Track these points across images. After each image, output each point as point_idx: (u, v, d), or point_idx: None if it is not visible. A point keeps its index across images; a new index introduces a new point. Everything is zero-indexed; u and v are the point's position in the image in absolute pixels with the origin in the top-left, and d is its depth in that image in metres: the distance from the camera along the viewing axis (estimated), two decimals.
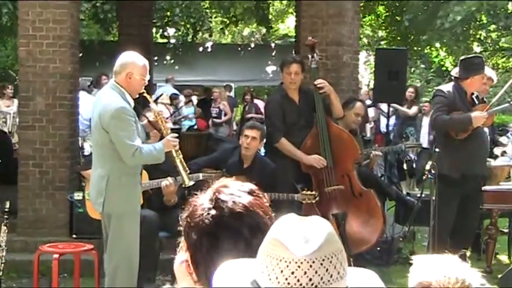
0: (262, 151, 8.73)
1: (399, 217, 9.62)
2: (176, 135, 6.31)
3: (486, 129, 7.81)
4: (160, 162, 6.28)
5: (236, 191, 2.00)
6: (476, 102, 7.58)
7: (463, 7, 16.37)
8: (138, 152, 5.88)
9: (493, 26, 19.31)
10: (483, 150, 7.68)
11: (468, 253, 8.09)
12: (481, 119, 7.34)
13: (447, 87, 7.73)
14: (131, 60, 6.07)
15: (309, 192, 7.39)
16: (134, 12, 14.85)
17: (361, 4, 13.68)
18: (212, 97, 17.39)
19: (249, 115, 16.97)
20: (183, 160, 6.28)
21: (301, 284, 1.61)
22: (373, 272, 1.79)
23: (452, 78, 7.88)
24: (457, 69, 7.76)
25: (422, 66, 26.73)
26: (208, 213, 1.96)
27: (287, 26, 33.90)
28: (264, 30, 31.20)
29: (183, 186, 6.66)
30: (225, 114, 17.01)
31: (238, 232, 1.94)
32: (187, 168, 6.34)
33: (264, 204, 2.02)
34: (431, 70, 27.93)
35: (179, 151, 6.23)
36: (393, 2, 21.06)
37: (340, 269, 1.63)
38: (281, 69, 7.93)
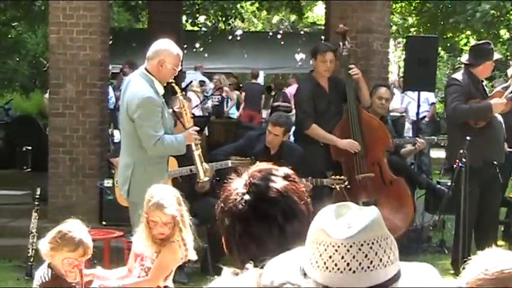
0: (292, 139, 8.70)
1: (429, 206, 9.56)
2: (197, 128, 6.30)
3: (500, 117, 7.71)
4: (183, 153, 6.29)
5: (271, 176, 1.99)
6: (487, 91, 7.58)
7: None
8: (159, 142, 5.88)
9: None
10: (500, 138, 7.67)
11: (500, 242, 8.04)
12: (501, 106, 7.33)
13: (459, 75, 7.67)
14: (165, 48, 6.05)
15: (338, 177, 7.36)
16: (164, 0, 14.86)
17: None
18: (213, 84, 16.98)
19: (276, 103, 16.94)
20: (201, 155, 6.26)
21: (338, 269, 1.60)
22: (430, 266, 1.77)
23: (463, 65, 7.83)
24: (467, 56, 7.74)
25: (448, 54, 26.49)
26: (242, 198, 1.95)
27: (316, 13, 33.77)
28: (292, 18, 31.13)
29: (197, 181, 6.66)
30: (230, 100, 16.78)
31: (272, 217, 1.92)
32: (205, 164, 6.33)
33: (299, 190, 2.00)
34: (458, 58, 27.74)
35: (198, 145, 6.22)
36: None
37: (383, 256, 1.61)
38: (314, 57, 7.88)
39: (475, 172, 7.26)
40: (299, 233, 1.80)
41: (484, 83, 7.69)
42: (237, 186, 1.99)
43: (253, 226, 1.92)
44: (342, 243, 1.60)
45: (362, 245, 1.60)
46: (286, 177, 2.01)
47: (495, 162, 7.48)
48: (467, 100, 7.36)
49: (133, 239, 5.03)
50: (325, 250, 1.61)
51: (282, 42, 23.93)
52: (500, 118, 7.62)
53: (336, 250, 1.60)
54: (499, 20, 18.68)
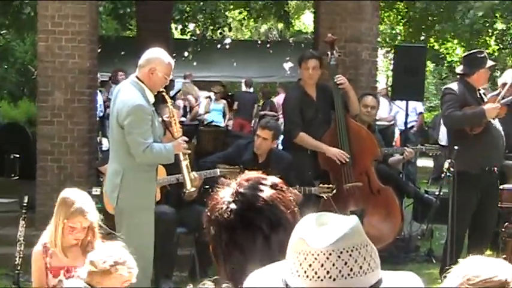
0: (280, 147, 8.70)
1: (417, 215, 9.58)
2: (186, 138, 6.31)
3: (498, 124, 7.71)
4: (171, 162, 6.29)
5: (257, 185, 1.99)
6: (484, 99, 7.57)
7: (483, 2, 16.24)
8: (148, 150, 5.88)
9: None
10: (498, 144, 7.60)
11: (487, 252, 8.04)
12: (494, 111, 7.31)
13: (455, 85, 7.70)
14: (157, 56, 6.08)
15: (325, 186, 7.37)
16: (153, 8, 14.88)
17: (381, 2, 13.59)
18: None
19: (262, 112, 16.98)
20: (189, 165, 6.27)
21: (319, 277, 1.60)
22: (414, 274, 1.77)
23: (458, 76, 7.85)
24: (462, 67, 7.75)
25: (435, 64, 26.58)
26: (228, 207, 1.95)
27: (302, 22, 33.86)
28: (280, 26, 31.17)
29: (183, 192, 6.67)
30: (191, 109, 16.63)
31: (257, 226, 1.92)
32: (192, 174, 6.33)
33: (286, 199, 2.00)
34: (445, 67, 27.81)
35: (187, 155, 6.23)
36: None
37: (363, 264, 1.62)
38: (299, 64, 7.92)
39: (473, 179, 7.27)
40: (285, 242, 1.80)
41: (481, 92, 7.67)
42: (224, 195, 1.99)
43: (239, 235, 1.93)
44: (321, 251, 1.61)
45: (341, 252, 1.61)
46: (273, 186, 2.01)
47: (493, 169, 7.48)
48: (462, 108, 7.38)
49: (36, 250, 4.97)
50: (305, 259, 1.62)
51: (271, 51, 23.98)
52: (498, 125, 7.61)
53: (316, 258, 1.61)
54: (486, 29, 18.75)
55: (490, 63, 7.71)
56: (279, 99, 17.84)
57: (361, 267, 1.61)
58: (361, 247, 1.62)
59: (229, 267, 1.94)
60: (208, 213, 2.01)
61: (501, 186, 7.82)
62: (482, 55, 7.71)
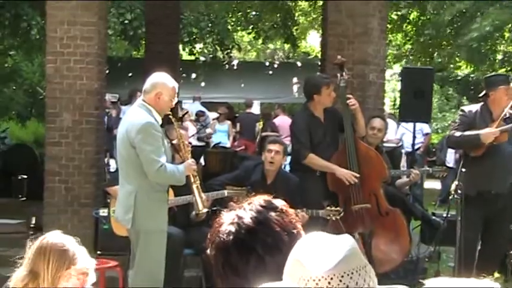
0: (287, 168, 8.70)
1: (425, 237, 9.55)
2: (195, 161, 6.35)
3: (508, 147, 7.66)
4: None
5: (257, 207, 2.00)
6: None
7: (488, 21, 16.27)
8: (162, 169, 5.90)
9: None
10: (502, 168, 7.49)
11: (496, 274, 8.01)
12: (491, 135, 7.24)
13: (471, 107, 7.71)
14: (162, 81, 6.13)
15: (333, 208, 7.35)
16: (161, 29, 14.93)
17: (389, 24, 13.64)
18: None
19: (264, 134, 17.00)
20: (199, 186, 6.29)
21: None
22: None
23: (479, 99, 7.83)
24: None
25: (440, 85, 26.68)
26: (226, 229, 1.97)
27: (308, 43, 33.99)
28: (287, 47, 31.30)
29: (196, 213, 6.68)
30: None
31: (250, 248, 1.93)
32: (202, 195, 6.35)
33: (286, 221, 2.00)
34: (452, 87, 27.89)
35: (197, 177, 6.26)
36: (419, 20, 21.03)
37: (364, 285, 1.61)
38: (318, 90, 7.83)
39: (471, 202, 7.25)
40: (282, 264, 1.81)
41: (506, 113, 7.55)
42: (226, 218, 2.00)
43: (233, 256, 1.94)
44: (322, 276, 1.60)
45: (342, 276, 1.60)
46: (273, 208, 2.02)
47: (492, 192, 7.44)
48: (469, 130, 7.37)
49: None
50: (306, 285, 1.61)
51: (278, 72, 24.05)
52: (509, 148, 7.55)
53: (317, 284, 1.60)
54: (492, 47, 18.78)
55: (508, 84, 7.64)
56: (278, 120, 17.87)
57: None
58: (361, 268, 1.63)
59: None
60: (210, 236, 2.02)
61: None
62: (498, 77, 7.71)
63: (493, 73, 8.17)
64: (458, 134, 7.39)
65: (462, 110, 7.74)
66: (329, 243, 1.67)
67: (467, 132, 7.35)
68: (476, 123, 7.42)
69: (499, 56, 19.99)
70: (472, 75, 23.92)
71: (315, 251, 1.66)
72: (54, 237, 3.89)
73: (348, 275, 1.61)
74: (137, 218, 6.02)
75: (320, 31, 23.77)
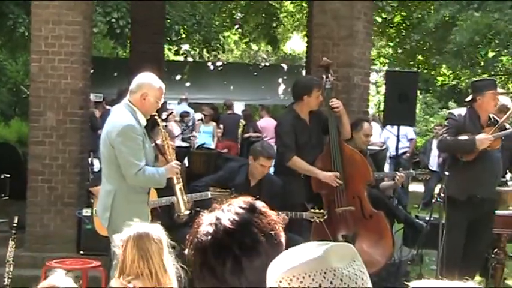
0: (271, 170, 8.71)
1: (407, 240, 9.57)
2: (179, 163, 6.33)
3: (497, 153, 7.71)
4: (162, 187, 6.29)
5: (236, 208, 2.01)
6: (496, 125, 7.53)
7: (471, 28, 16.34)
8: (141, 172, 5.89)
9: (504, 51, 19.26)
10: (491, 173, 7.56)
11: (477, 278, 8.04)
12: (486, 142, 7.29)
13: (460, 110, 7.73)
14: (148, 81, 6.11)
15: (317, 211, 7.36)
16: (146, 29, 14.91)
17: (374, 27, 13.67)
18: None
19: (247, 135, 17.05)
20: (182, 188, 6.28)
21: None
22: None
23: (465, 103, 7.86)
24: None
25: (422, 90, 26.80)
26: (204, 230, 1.98)
27: (290, 46, 34.14)
28: (269, 48, 31.41)
29: (177, 215, 6.68)
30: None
31: (227, 249, 1.94)
32: (185, 197, 6.34)
33: (264, 223, 2.00)
34: (430, 92, 27.99)
35: (180, 178, 6.24)
36: (403, 24, 21.13)
37: (330, 286, 1.62)
38: (309, 92, 7.83)
39: (460, 206, 7.27)
40: (258, 266, 1.81)
41: (492, 117, 7.61)
42: (205, 220, 2.01)
43: (210, 257, 1.95)
44: (282, 278, 1.65)
45: (303, 277, 1.63)
46: (251, 209, 2.02)
47: (478, 196, 7.47)
48: (459, 134, 7.39)
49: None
50: (276, 284, 1.66)
51: (263, 74, 24.06)
52: (497, 154, 7.59)
53: (279, 284, 1.66)
54: (475, 54, 18.85)
55: (503, 99, 7.70)
56: (263, 122, 17.92)
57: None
58: (328, 271, 1.65)
59: None
60: (189, 236, 2.03)
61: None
62: (485, 82, 7.74)
63: (480, 78, 8.19)
64: (451, 138, 7.40)
65: (451, 114, 7.77)
66: (308, 247, 1.69)
67: (461, 137, 7.37)
68: (466, 126, 7.45)
69: (482, 62, 20.06)
70: (453, 82, 24.03)
71: (289, 255, 1.68)
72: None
73: (309, 276, 1.62)
74: (114, 218, 6.01)
75: (304, 33, 23.90)
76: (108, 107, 14.45)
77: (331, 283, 1.62)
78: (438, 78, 23.62)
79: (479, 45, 17.90)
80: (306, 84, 7.95)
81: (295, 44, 34.17)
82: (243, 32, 25.08)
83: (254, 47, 34.13)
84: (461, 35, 16.40)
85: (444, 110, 26.96)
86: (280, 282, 1.65)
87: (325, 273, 1.63)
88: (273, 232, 1.99)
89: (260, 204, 2.07)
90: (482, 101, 7.48)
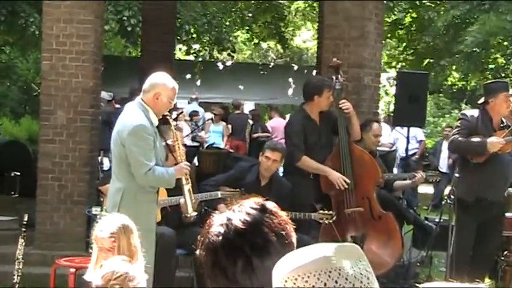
0: (281, 170, 8.71)
1: (417, 241, 9.55)
2: (189, 164, 6.34)
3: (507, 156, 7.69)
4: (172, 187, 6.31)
5: (247, 209, 2.01)
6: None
7: (479, 33, 16.26)
8: (150, 172, 5.90)
9: None
10: (501, 176, 7.53)
11: (486, 280, 8.02)
12: (497, 145, 7.26)
13: (472, 112, 7.71)
14: (161, 81, 6.11)
15: (326, 212, 7.36)
16: (157, 29, 14.94)
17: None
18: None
19: (256, 135, 17.06)
20: (191, 189, 6.29)
21: None
22: None
23: (478, 105, 7.84)
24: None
25: (432, 92, 26.78)
26: (215, 231, 1.98)
27: (299, 42, 34.14)
28: (279, 47, 31.44)
29: (185, 216, 6.69)
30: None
31: (238, 249, 1.93)
32: (193, 198, 6.35)
33: (276, 223, 2.00)
34: (440, 94, 27.97)
35: (189, 179, 6.25)
36: (412, 25, 21.07)
37: (336, 286, 1.62)
38: (319, 92, 7.84)
39: (468, 208, 7.26)
40: (269, 266, 1.82)
41: (505, 122, 7.59)
42: (216, 220, 2.01)
43: (221, 257, 1.94)
44: (288, 277, 1.66)
45: (309, 276, 1.64)
46: (263, 210, 2.02)
47: (488, 199, 7.45)
48: (471, 135, 7.37)
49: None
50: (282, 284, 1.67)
51: (273, 74, 24.06)
52: (508, 157, 7.55)
53: (284, 284, 1.66)
54: (485, 57, 18.78)
55: (508, 91, 7.65)
56: (273, 122, 17.94)
57: None
58: (334, 270, 1.65)
59: None
60: (201, 237, 2.03)
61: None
62: (498, 84, 7.71)
63: (493, 80, 8.16)
64: (462, 139, 7.38)
65: (464, 114, 7.75)
66: (314, 248, 1.70)
67: (472, 139, 7.35)
68: (478, 128, 7.42)
69: (492, 66, 20.00)
70: (463, 84, 23.99)
71: (294, 255, 1.70)
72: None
73: (314, 275, 1.63)
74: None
75: (314, 28, 23.91)
76: (117, 105, 14.48)
77: (336, 282, 1.63)
78: (448, 79, 23.56)
79: (492, 50, 17.84)
80: (317, 85, 7.96)
81: (305, 39, 34.23)
82: (252, 32, 25.08)
83: (264, 45, 34.16)
84: (473, 37, 16.31)
85: (456, 111, 26.93)
86: (286, 281, 1.65)
87: (330, 272, 1.63)
88: (283, 232, 2.00)
89: (271, 205, 2.07)
90: (494, 103, 7.45)
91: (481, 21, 16.48)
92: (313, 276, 1.63)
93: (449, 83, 24.05)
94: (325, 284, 1.62)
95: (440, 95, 29.02)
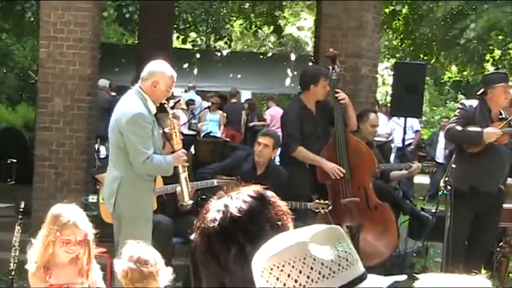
0: (277, 160, 8.72)
1: (413, 232, 9.57)
2: (186, 151, 6.35)
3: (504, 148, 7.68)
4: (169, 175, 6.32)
5: (244, 196, 2.00)
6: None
7: (479, 25, 16.21)
8: (149, 161, 5.91)
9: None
10: (497, 167, 7.53)
11: (483, 271, 8.04)
12: (493, 136, 7.26)
13: (471, 102, 7.71)
14: (160, 69, 6.12)
15: (322, 201, 7.36)
16: (155, 17, 14.91)
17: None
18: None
19: (251, 124, 17.07)
20: (188, 177, 6.30)
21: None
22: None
23: (477, 96, 7.84)
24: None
25: (431, 81, 26.75)
26: (211, 217, 1.97)
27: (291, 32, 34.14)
28: (274, 37, 31.41)
29: (181, 204, 6.70)
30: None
31: (232, 236, 1.93)
32: (190, 186, 6.36)
33: (272, 213, 2.00)
34: (441, 83, 27.98)
35: (186, 167, 6.26)
36: (410, 16, 21.03)
37: (300, 277, 1.63)
38: (315, 81, 7.84)
39: (462, 197, 7.27)
40: None
41: (503, 113, 7.59)
42: (213, 206, 2.01)
43: (215, 244, 1.95)
44: (264, 268, 1.67)
45: (272, 269, 1.64)
46: (260, 198, 2.02)
47: (483, 189, 7.46)
48: (468, 125, 7.37)
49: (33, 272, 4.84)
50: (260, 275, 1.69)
51: (271, 63, 24.04)
52: (505, 148, 7.56)
53: (262, 275, 1.67)
54: (482, 50, 18.75)
55: (506, 82, 7.64)
56: (271, 111, 17.94)
57: (295, 281, 1.63)
58: (295, 261, 1.65)
59: (206, 276, 1.97)
60: (196, 222, 2.03)
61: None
62: (496, 75, 7.71)
63: (492, 71, 8.17)
64: (459, 128, 7.38)
65: (462, 104, 7.76)
66: (288, 234, 1.73)
67: (469, 128, 7.35)
68: (476, 118, 7.42)
69: (488, 57, 19.97)
70: (458, 77, 23.98)
71: (270, 244, 1.71)
72: (57, 206, 4.31)
73: (289, 263, 1.63)
74: (119, 203, 6.06)
75: (311, 16, 23.87)
76: (113, 93, 14.46)
77: (311, 268, 1.62)
78: (445, 72, 23.55)
79: (490, 41, 17.80)
80: (313, 74, 7.96)
81: (300, 26, 34.23)
82: (250, 21, 25.02)
83: (261, 33, 34.13)
84: (473, 31, 16.25)
85: (452, 103, 26.93)
86: (263, 272, 1.66)
87: (304, 259, 1.63)
88: (279, 223, 1.99)
89: (269, 194, 2.06)
90: (492, 94, 7.46)
91: (479, 14, 16.44)
92: (288, 265, 1.63)
93: (446, 77, 24.01)
94: (300, 272, 1.62)
95: (436, 86, 29.05)
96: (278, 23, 25.11)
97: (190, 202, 6.45)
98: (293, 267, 1.63)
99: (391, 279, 1.71)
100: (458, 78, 24.30)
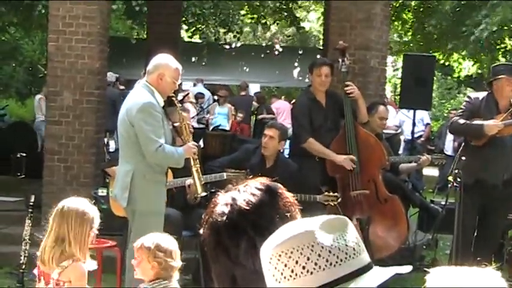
0: (286, 153, 8.71)
1: (422, 224, 9.57)
2: (196, 144, 6.37)
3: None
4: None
5: (252, 189, 2.00)
6: None
7: (493, 19, 16.10)
8: (161, 149, 5.93)
9: None
10: (502, 159, 7.50)
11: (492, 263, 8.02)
12: (494, 128, 7.24)
13: (478, 94, 7.70)
14: (165, 62, 6.17)
15: (331, 194, 7.36)
16: (163, 11, 14.91)
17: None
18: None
19: (260, 116, 17.07)
20: (199, 170, 6.31)
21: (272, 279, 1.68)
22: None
23: (486, 88, 7.82)
24: None
25: (440, 74, 26.62)
26: (219, 210, 1.97)
27: (310, 24, 34.04)
28: (289, 30, 31.34)
29: (195, 196, 6.69)
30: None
31: (241, 230, 1.92)
32: (202, 179, 6.37)
33: (280, 204, 1.99)
34: (452, 77, 27.86)
35: (197, 160, 6.28)
36: (420, 8, 20.96)
37: (308, 264, 1.64)
38: (310, 71, 7.90)
39: (469, 189, 7.26)
40: None
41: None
42: (221, 200, 2.01)
43: (224, 237, 1.94)
44: (272, 255, 1.68)
45: (286, 253, 1.65)
46: (268, 191, 2.01)
47: (489, 182, 7.44)
48: (473, 117, 7.36)
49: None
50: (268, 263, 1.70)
51: (280, 56, 24.01)
52: (510, 140, 7.54)
53: (270, 262, 1.69)
54: (495, 42, 18.67)
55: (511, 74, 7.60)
56: (277, 104, 17.95)
57: (303, 267, 1.65)
58: (302, 248, 1.66)
59: (216, 269, 1.96)
60: (204, 216, 2.03)
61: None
62: (502, 66, 7.69)
63: (501, 62, 8.15)
64: (462, 121, 7.37)
65: (468, 96, 7.77)
66: (295, 224, 1.73)
67: (473, 121, 7.34)
68: (481, 111, 7.41)
69: (501, 53, 19.88)
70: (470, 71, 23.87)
71: (278, 233, 1.72)
72: (71, 202, 4.33)
73: (297, 250, 1.65)
74: (133, 197, 6.07)
75: (321, 9, 23.82)
76: (122, 87, 14.48)
77: (319, 255, 1.64)
78: (454, 65, 23.44)
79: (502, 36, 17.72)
80: (312, 63, 8.00)
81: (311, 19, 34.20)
82: (259, 15, 24.95)
83: (272, 28, 34.09)
84: (487, 29, 16.13)
85: (461, 95, 26.84)
86: (271, 259, 1.67)
87: (312, 246, 1.64)
88: (288, 214, 1.99)
89: (276, 185, 2.06)
90: (497, 86, 7.44)
91: (491, 9, 16.33)
92: (296, 251, 1.64)
93: (457, 71, 23.88)
94: (308, 258, 1.63)
95: (446, 79, 28.95)
96: (295, 15, 24.95)
97: (204, 194, 6.45)
98: (301, 254, 1.64)
99: (393, 270, 1.71)
100: (469, 74, 24.18)
